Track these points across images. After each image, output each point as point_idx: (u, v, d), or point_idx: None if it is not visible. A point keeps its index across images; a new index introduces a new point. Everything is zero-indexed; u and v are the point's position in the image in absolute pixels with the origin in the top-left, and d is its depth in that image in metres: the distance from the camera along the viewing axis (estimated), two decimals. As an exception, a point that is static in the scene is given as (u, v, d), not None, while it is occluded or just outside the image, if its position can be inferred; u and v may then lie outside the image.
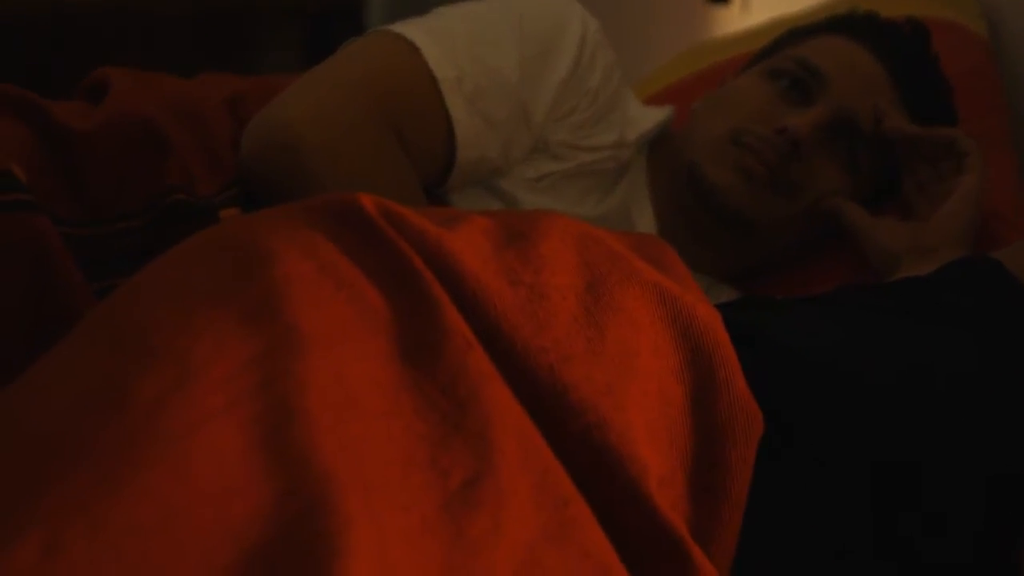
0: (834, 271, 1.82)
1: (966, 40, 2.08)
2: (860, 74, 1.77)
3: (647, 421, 0.97)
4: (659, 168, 1.87)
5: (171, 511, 0.74)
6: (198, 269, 0.96)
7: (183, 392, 0.81)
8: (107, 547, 0.72)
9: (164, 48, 2.80)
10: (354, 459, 0.81)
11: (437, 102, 1.54)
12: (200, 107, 1.53)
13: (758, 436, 1.00)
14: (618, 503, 0.93)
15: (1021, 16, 2.16)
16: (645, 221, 1.83)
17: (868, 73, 1.78)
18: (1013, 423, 1.10)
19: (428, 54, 1.54)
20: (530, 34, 1.63)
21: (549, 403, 0.94)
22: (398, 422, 0.87)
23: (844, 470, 1.03)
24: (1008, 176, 1.80)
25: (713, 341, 1.03)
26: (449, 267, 0.97)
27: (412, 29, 1.56)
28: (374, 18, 4.02)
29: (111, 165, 1.42)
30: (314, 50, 1.74)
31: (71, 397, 0.85)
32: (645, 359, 1.00)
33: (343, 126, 1.45)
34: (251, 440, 0.79)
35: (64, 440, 0.80)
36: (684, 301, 1.04)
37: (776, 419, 1.01)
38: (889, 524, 1.03)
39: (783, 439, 1.01)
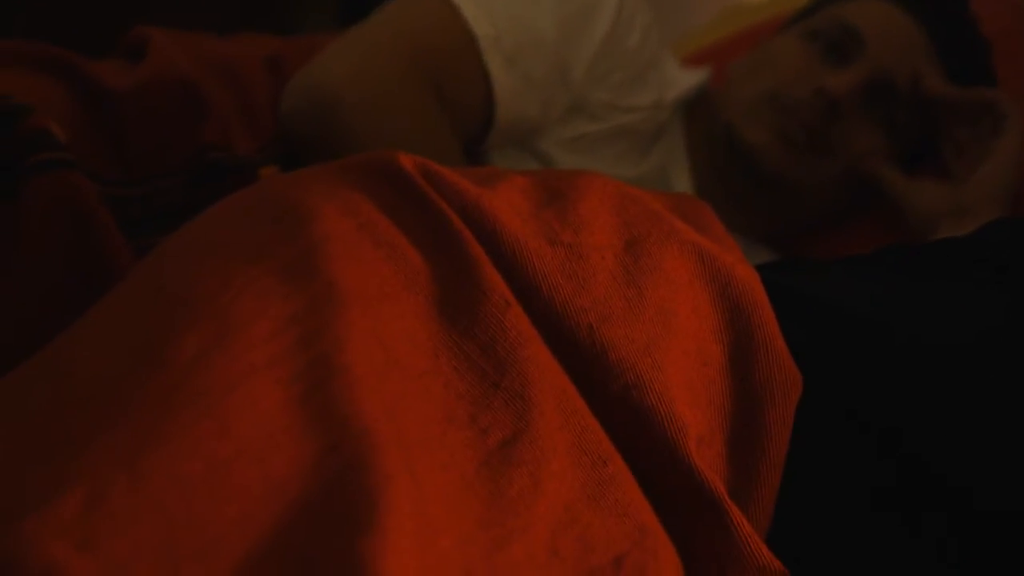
0: (871, 233, 1.82)
1: (1002, 1, 2.07)
2: (898, 35, 1.77)
3: (686, 381, 0.97)
4: (696, 129, 1.87)
5: (213, 465, 0.75)
6: (237, 227, 0.97)
7: (224, 349, 0.82)
8: (150, 499, 0.72)
9: (202, 9, 2.80)
10: (394, 417, 0.81)
11: (476, 61, 1.54)
12: (239, 67, 1.54)
13: (797, 397, 1.00)
14: (657, 462, 0.93)
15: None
16: (682, 182, 1.83)
17: (906, 34, 1.77)
18: None
19: (467, 12, 1.54)
20: (569, -7, 1.63)
21: (588, 363, 0.94)
22: (437, 380, 0.87)
23: (886, 432, 1.03)
24: (1046, 137, 1.79)
25: (752, 301, 1.02)
26: (488, 226, 0.97)
27: (451, -13, 1.57)
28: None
29: (150, 124, 1.42)
30: (352, 11, 1.74)
31: (112, 354, 0.86)
32: (684, 319, 1.00)
33: (382, 84, 1.45)
34: (292, 397, 0.80)
35: (106, 396, 0.81)
36: (723, 261, 1.04)
37: (817, 380, 1.01)
38: (926, 486, 1.03)
39: (824, 400, 1.01)
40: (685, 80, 1.86)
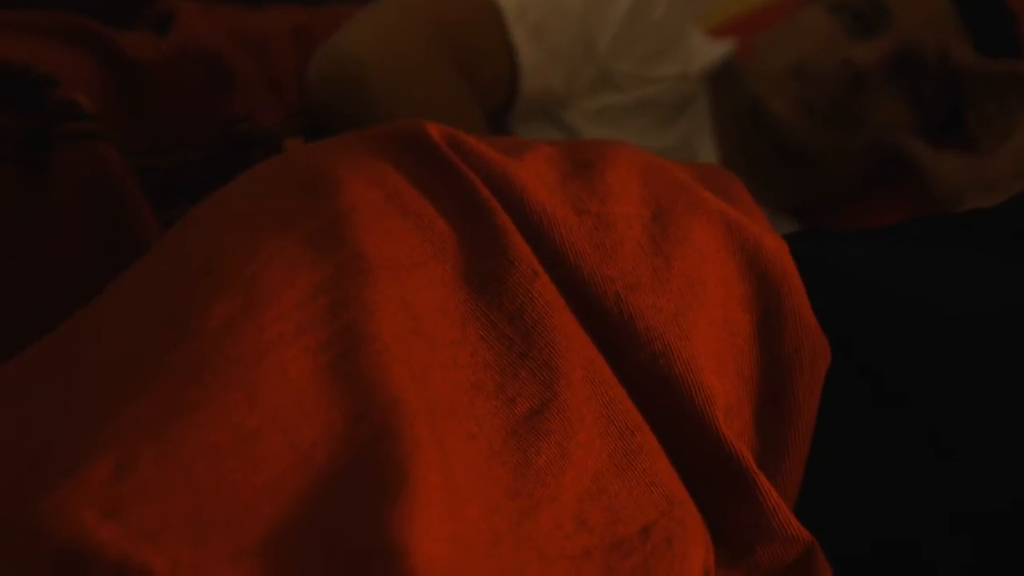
0: (897, 205, 1.82)
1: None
2: (925, 7, 1.76)
3: (713, 350, 0.97)
4: (721, 101, 1.86)
5: (242, 435, 0.75)
6: (264, 197, 0.97)
7: (251, 318, 0.82)
8: (178, 468, 0.72)
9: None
10: (421, 386, 0.81)
11: (501, 32, 1.54)
12: (265, 38, 1.54)
13: (825, 366, 1.00)
14: (684, 433, 0.93)
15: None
16: (707, 154, 1.83)
17: (933, 6, 1.76)
18: None
19: (492, -17, 1.55)
20: (594, -36, 1.63)
21: (615, 332, 0.94)
22: (464, 350, 0.87)
23: (919, 403, 1.02)
24: (1075, 110, 1.78)
25: (780, 271, 1.02)
26: (515, 196, 0.97)
27: (476, -41, 1.56)
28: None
29: (177, 95, 1.43)
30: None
31: (139, 324, 0.86)
32: (711, 288, 0.99)
33: (407, 55, 1.45)
34: (320, 366, 0.79)
35: (133, 366, 0.81)
36: (751, 231, 1.03)
37: (845, 350, 1.01)
38: (952, 455, 1.03)
39: (852, 370, 1.01)
40: (711, 51, 1.85)
